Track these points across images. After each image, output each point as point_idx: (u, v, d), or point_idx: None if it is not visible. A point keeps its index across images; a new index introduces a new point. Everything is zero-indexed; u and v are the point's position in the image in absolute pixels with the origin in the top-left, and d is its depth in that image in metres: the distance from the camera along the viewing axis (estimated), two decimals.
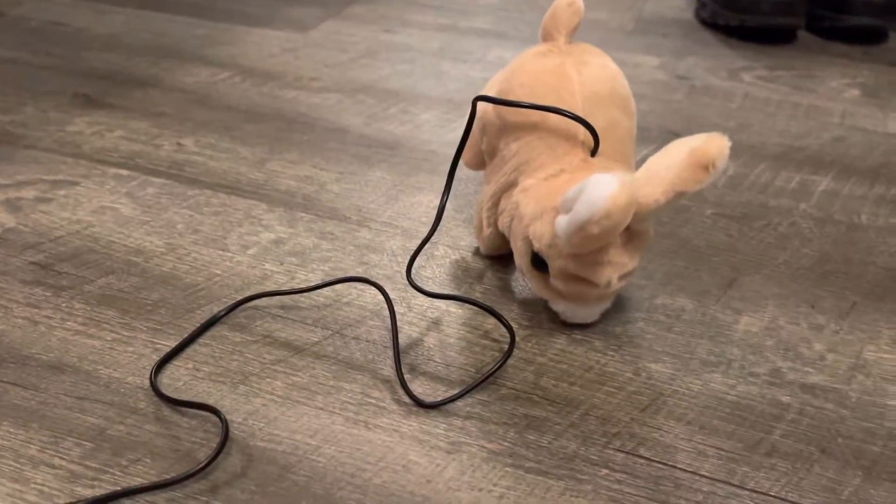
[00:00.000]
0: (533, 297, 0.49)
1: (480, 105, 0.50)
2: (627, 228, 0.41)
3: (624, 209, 0.37)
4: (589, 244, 0.40)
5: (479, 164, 0.53)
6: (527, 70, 0.48)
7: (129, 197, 0.58)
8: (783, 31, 0.94)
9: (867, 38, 0.95)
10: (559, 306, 0.46)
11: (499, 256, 0.52)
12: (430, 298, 0.49)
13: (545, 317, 0.48)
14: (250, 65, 0.82)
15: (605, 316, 0.48)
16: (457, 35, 0.92)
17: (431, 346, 0.45)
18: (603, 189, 0.37)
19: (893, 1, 0.91)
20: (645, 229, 0.44)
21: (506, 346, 0.45)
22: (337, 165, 0.64)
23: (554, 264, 0.43)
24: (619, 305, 0.49)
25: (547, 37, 0.50)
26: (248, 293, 0.48)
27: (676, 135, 0.71)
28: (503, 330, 0.46)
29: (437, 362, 0.44)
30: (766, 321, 0.48)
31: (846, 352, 0.46)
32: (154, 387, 0.40)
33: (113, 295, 0.48)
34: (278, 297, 0.48)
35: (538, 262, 0.44)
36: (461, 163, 0.54)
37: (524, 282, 0.50)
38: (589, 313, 0.46)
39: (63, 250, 0.52)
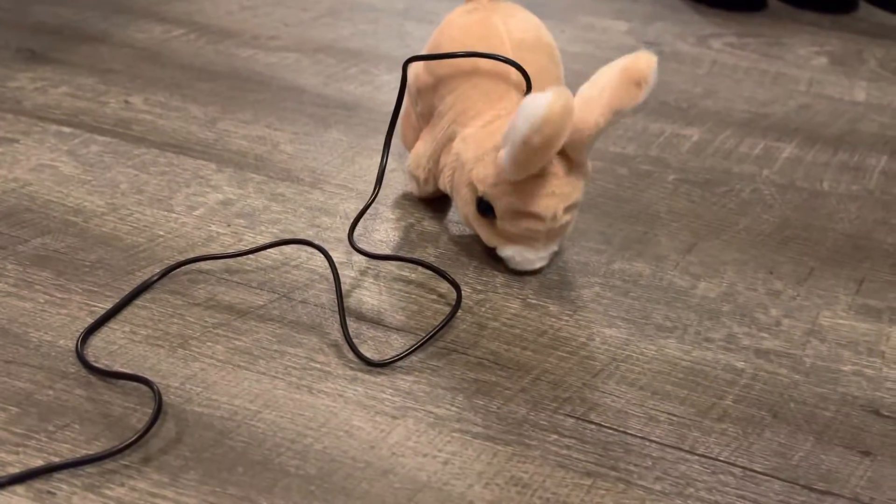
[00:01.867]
0: (487, 261, 0.48)
1: (412, 70, 0.50)
2: (568, 157, 0.42)
3: (561, 113, 0.38)
4: (534, 159, 0.40)
5: (415, 140, 0.53)
6: (454, 25, 0.48)
7: (71, 155, 0.56)
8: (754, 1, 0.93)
9: (838, 6, 0.95)
10: (508, 251, 0.45)
11: (433, 199, 0.53)
12: (381, 261, 0.47)
13: (499, 281, 0.46)
14: (206, 22, 0.79)
15: (562, 281, 0.47)
16: None
17: (382, 309, 0.44)
18: (539, 100, 0.38)
19: None
20: (585, 160, 0.44)
21: (461, 303, 0.44)
22: (292, 126, 0.62)
23: (500, 203, 0.43)
24: (575, 270, 0.48)
25: None
26: (191, 255, 0.46)
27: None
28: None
29: (386, 325, 0.43)
30: (723, 287, 0.47)
31: (802, 317, 0.45)
32: (80, 356, 0.38)
33: (48, 255, 0.46)
34: (223, 259, 0.46)
35: (484, 207, 0.44)
36: (403, 147, 0.54)
37: (478, 244, 0.49)
38: (538, 256, 0.45)
39: None
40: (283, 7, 0.84)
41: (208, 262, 0.46)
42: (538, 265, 0.46)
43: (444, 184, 0.48)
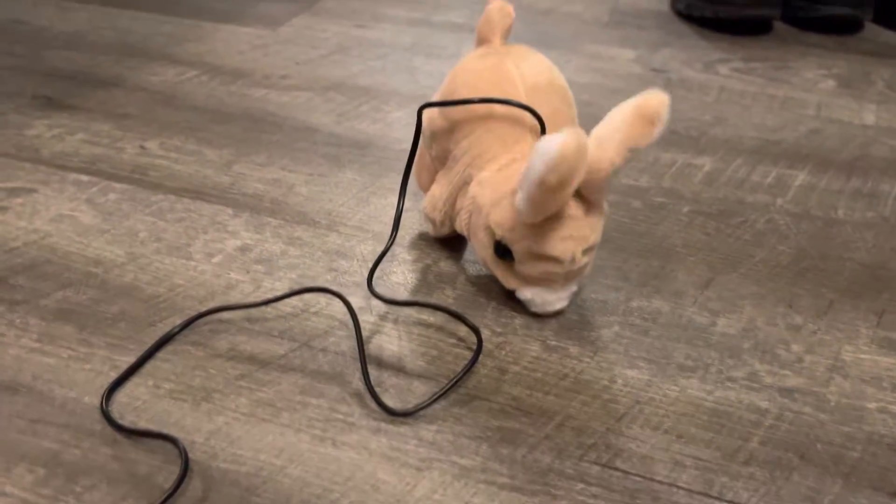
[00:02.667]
0: (505, 301, 0.48)
1: (426, 113, 0.50)
2: (585, 199, 0.43)
3: (576, 152, 0.39)
4: (551, 200, 0.40)
5: (430, 182, 0.53)
6: (468, 70, 0.49)
7: (90, 204, 0.56)
8: (759, 22, 0.93)
9: (843, 27, 0.95)
10: (527, 293, 0.46)
11: (449, 239, 0.53)
12: (401, 306, 0.47)
13: (519, 322, 0.47)
14: (218, 62, 0.80)
15: (581, 321, 0.47)
16: (429, 29, 0.90)
17: (402, 355, 0.44)
18: (553, 140, 0.39)
19: None
20: (602, 200, 0.44)
21: (482, 348, 0.44)
22: (306, 167, 0.62)
23: (518, 247, 0.44)
24: (594, 309, 0.48)
25: (483, 40, 0.51)
26: (211, 304, 0.47)
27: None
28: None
29: (407, 372, 0.43)
30: (743, 322, 0.47)
31: (824, 352, 0.45)
32: (105, 413, 0.39)
33: (70, 309, 0.46)
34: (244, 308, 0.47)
35: (502, 251, 0.45)
36: (418, 187, 0.55)
37: (496, 284, 0.49)
38: (557, 298, 0.46)
39: (19, 262, 0.50)
40: (293, 45, 0.85)
41: (229, 311, 0.46)
42: (558, 306, 0.46)
43: (460, 226, 0.48)
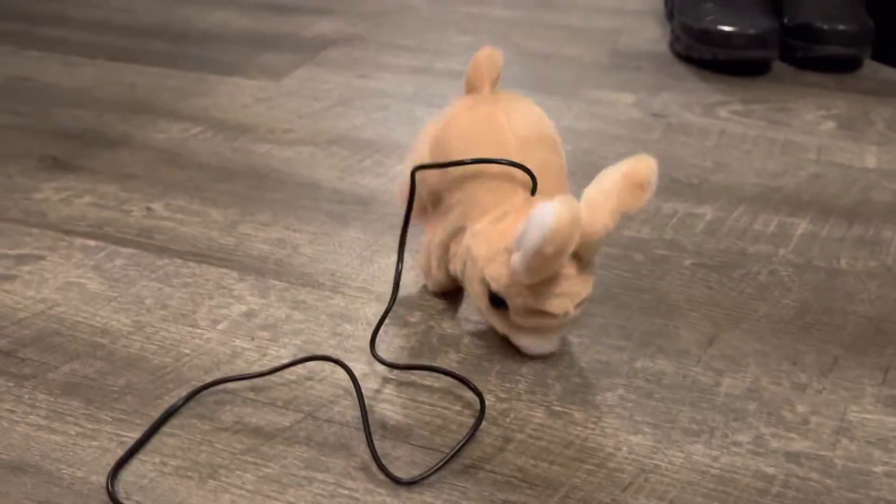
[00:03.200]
0: (509, 365, 0.48)
1: (420, 154, 0.52)
2: (579, 258, 0.45)
3: (570, 224, 0.40)
4: (547, 266, 0.42)
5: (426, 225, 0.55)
6: (460, 122, 0.50)
7: (97, 270, 0.57)
8: (757, 63, 0.94)
9: (841, 66, 0.96)
10: (522, 340, 0.48)
11: (449, 293, 0.54)
12: (404, 370, 0.48)
13: (523, 387, 0.47)
14: (222, 117, 0.81)
15: (585, 384, 0.47)
16: (431, 77, 0.91)
17: (407, 423, 0.44)
18: (548, 211, 0.40)
19: (864, 30, 0.91)
20: (593, 260, 0.46)
21: (484, 415, 0.44)
22: (310, 225, 0.63)
23: (514, 302, 0.45)
24: (598, 370, 0.48)
25: (472, 88, 0.52)
26: (217, 374, 0.47)
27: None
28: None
29: (412, 441, 0.43)
30: (748, 382, 0.47)
31: (830, 413, 0.45)
32: (111, 495, 0.39)
33: (77, 382, 0.47)
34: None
35: (496, 301, 0.46)
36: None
37: (499, 346, 0.49)
38: (549, 343, 0.48)
39: (27, 333, 0.51)
40: (296, 97, 0.86)
41: (234, 382, 0.47)
42: (549, 349, 0.48)
43: (454, 270, 0.50)
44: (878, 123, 0.82)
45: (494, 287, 0.45)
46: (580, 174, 0.72)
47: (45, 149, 0.74)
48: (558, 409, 0.45)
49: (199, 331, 0.51)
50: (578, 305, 0.46)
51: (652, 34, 1.08)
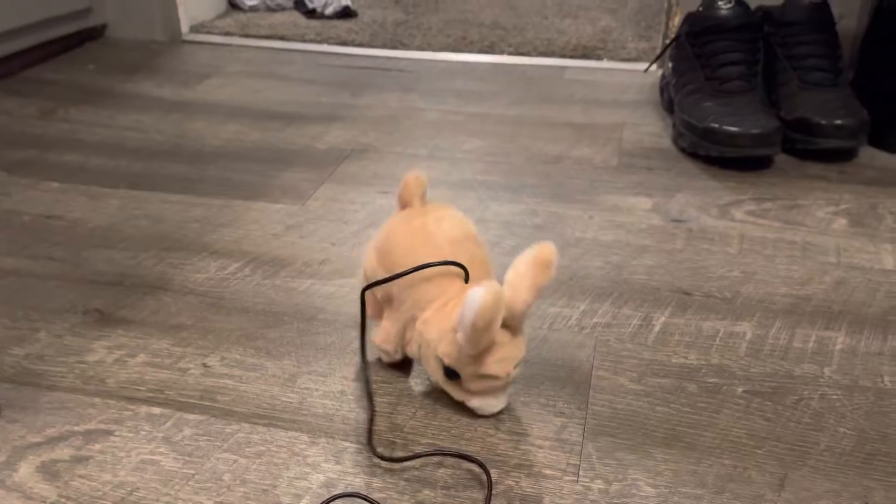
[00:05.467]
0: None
1: (372, 271, 0.62)
2: (511, 328, 0.55)
3: (494, 302, 0.51)
4: (482, 337, 0.53)
5: (380, 313, 0.64)
6: (398, 233, 0.60)
7: (167, 443, 0.57)
8: (762, 158, 0.98)
9: (839, 155, 1.00)
10: (474, 402, 0.58)
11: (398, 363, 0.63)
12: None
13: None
14: (256, 251, 0.82)
15: None
16: (448, 190, 0.94)
17: None
18: (474, 295, 0.51)
19: (861, 123, 0.96)
20: (522, 327, 0.56)
21: (495, 492, 0.45)
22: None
23: (464, 371, 0.56)
24: None
25: (405, 204, 0.63)
26: None
27: (687, 294, 0.73)
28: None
29: None
30: None
31: None
32: None
33: None
34: None
35: (450, 373, 0.57)
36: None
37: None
38: (498, 402, 0.58)
39: None
40: (325, 222, 0.87)
41: None
42: (499, 408, 0.58)
43: (411, 351, 0.60)
44: (888, 218, 0.86)
45: (447, 362, 0.56)
46: (616, 294, 0.74)
47: (87, 300, 0.75)
48: None
49: None
50: (517, 366, 0.56)
51: (653, 128, 1.12)
